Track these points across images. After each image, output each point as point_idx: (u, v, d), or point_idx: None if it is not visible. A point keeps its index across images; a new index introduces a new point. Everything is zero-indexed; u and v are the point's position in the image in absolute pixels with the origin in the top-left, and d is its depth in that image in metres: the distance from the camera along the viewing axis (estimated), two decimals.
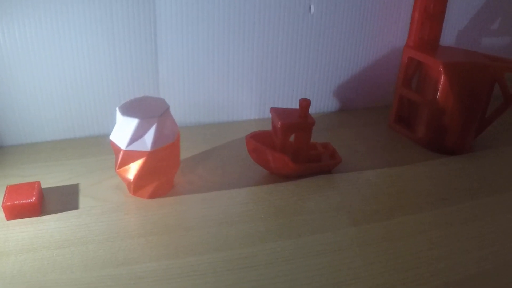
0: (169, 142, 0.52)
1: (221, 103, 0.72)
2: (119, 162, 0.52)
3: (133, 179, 0.53)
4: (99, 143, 0.66)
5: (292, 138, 0.60)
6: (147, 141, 0.50)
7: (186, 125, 0.72)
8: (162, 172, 0.54)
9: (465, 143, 0.69)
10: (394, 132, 0.74)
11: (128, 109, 0.51)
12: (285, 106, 0.75)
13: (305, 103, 0.57)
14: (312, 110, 0.76)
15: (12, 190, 0.53)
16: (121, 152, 0.51)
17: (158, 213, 0.53)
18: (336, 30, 0.72)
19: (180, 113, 0.70)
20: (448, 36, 0.80)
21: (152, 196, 0.55)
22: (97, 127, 0.68)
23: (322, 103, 0.77)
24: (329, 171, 0.63)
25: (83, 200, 0.55)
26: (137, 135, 0.50)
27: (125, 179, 0.54)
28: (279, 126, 0.57)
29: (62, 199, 0.55)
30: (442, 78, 0.64)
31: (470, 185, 0.63)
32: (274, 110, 0.59)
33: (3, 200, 0.51)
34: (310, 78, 0.75)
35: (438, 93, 0.65)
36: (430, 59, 0.66)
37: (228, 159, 0.64)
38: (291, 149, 0.60)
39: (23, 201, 0.51)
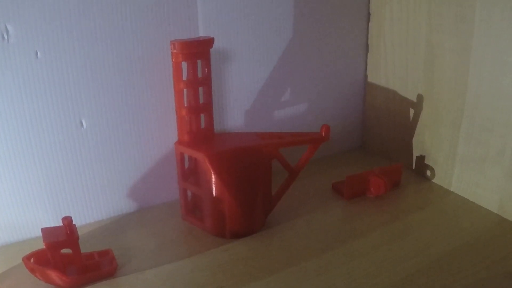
0: None
1: (20, 224, 0.72)
2: None
3: None
4: None
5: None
6: None
7: None
8: None
9: (252, 225, 0.72)
10: (189, 224, 0.75)
11: None
12: (80, 216, 0.76)
13: (66, 221, 0.60)
14: (109, 213, 0.76)
15: None
16: None
17: None
18: (112, 140, 0.75)
19: None
20: (237, 120, 0.86)
21: None
22: None
23: (116, 205, 0.79)
24: (111, 276, 0.64)
25: None
26: None
27: None
28: (44, 245, 0.59)
29: None
30: (210, 169, 0.67)
31: (250, 268, 0.64)
32: (43, 230, 0.62)
33: None
34: (99, 185, 0.76)
35: (211, 183, 0.68)
36: (196, 152, 0.69)
37: (23, 279, 0.63)
38: (66, 263, 0.62)
39: None
